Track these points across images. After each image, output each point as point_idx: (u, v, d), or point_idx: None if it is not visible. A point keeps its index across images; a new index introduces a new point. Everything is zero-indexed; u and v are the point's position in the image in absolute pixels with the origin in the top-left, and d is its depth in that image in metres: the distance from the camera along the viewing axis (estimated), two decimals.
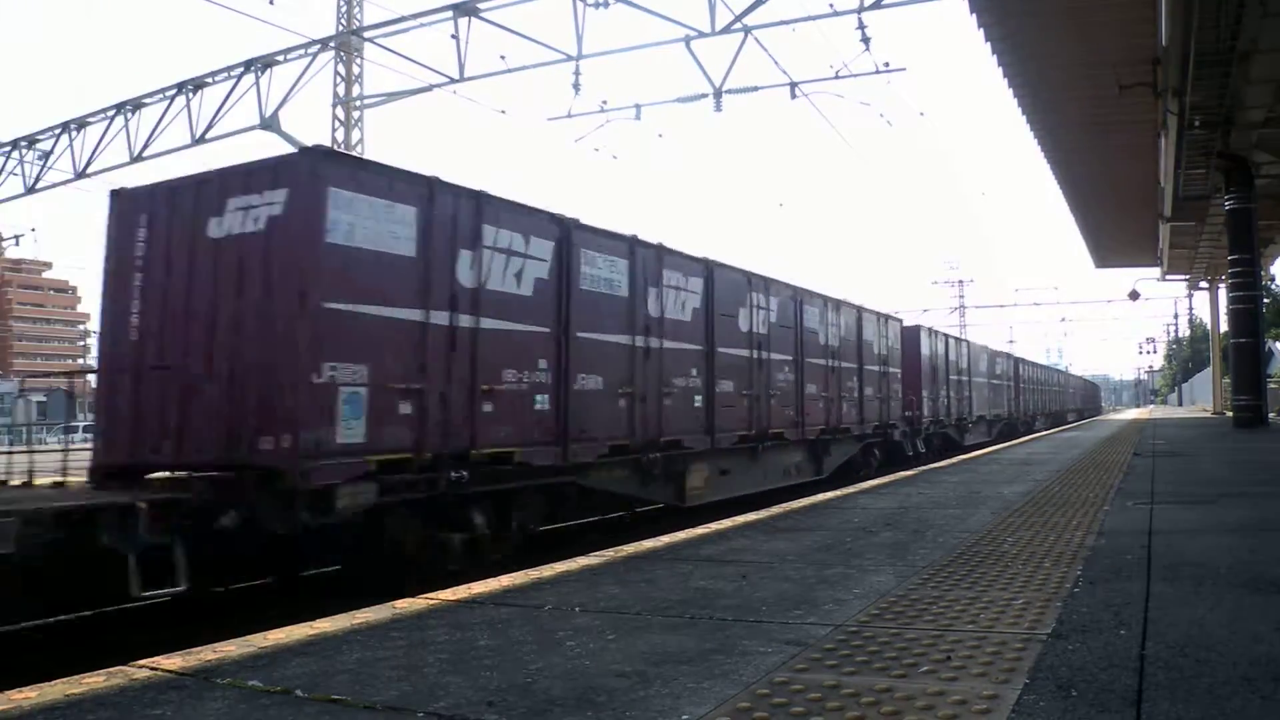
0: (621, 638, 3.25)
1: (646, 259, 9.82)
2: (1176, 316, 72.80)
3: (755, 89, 17.19)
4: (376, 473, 6.37)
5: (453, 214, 7.29)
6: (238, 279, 6.49)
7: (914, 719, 2.30)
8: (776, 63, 18.04)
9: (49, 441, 28.24)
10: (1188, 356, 71.01)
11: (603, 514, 10.47)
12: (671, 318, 10.12)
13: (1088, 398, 70.28)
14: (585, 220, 8.93)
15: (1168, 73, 14.06)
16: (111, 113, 18.97)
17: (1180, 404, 67.96)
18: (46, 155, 20.18)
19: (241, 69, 17.44)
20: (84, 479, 6.94)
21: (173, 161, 18.69)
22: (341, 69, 22.19)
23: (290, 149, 10.96)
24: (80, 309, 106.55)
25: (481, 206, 7.61)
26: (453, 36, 15.92)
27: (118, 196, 7.36)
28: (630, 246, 9.59)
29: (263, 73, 17.24)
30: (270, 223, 6.41)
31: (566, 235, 8.61)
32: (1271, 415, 22.04)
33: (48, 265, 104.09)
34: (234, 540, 6.04)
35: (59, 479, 6.91)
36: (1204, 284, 39.00)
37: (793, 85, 16.79)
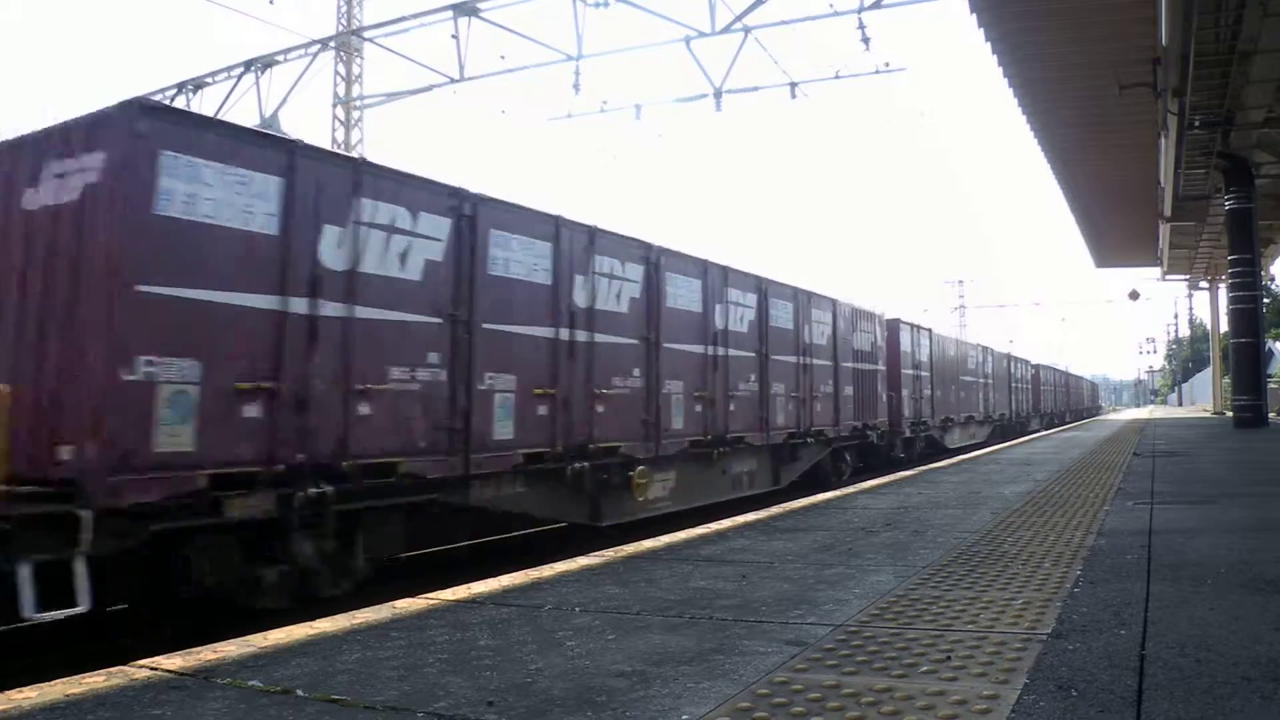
0: (621, 638, 3.25)
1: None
2: (1176, 316, 72.93)
3: (755, 89, 17.22)
4: None
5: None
6: None
7: (914, 719, 2.30)
8: (776, 63, 18.05)
9: None
10: (1188, 356, 71.07)
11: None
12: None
13: (1071, 396, 56.72)
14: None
15: (1168, 73, 14.06)
16: None
17: (1180, 404, 67.96)
18: None
19: (241, 69, 17.48)
20: None
21: None
22: (341, 69, 22.20)
23: None
24: None
25: (361, 176, 6.66)
26: (453, 36, 15.96)
27: None
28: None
29: (263, 73, 17.27)
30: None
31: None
32: (1271, 415, 22.05)
33: None
34: None
35: None
36: (1204, 284, 38.99)
37: (793, 85, 16.81)
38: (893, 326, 18.53)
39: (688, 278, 10.75)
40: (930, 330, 21.46)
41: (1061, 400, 50.05)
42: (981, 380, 27.33)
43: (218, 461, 5.59)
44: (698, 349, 10.82)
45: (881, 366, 17.19)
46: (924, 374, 20.32)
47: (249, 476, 5.89)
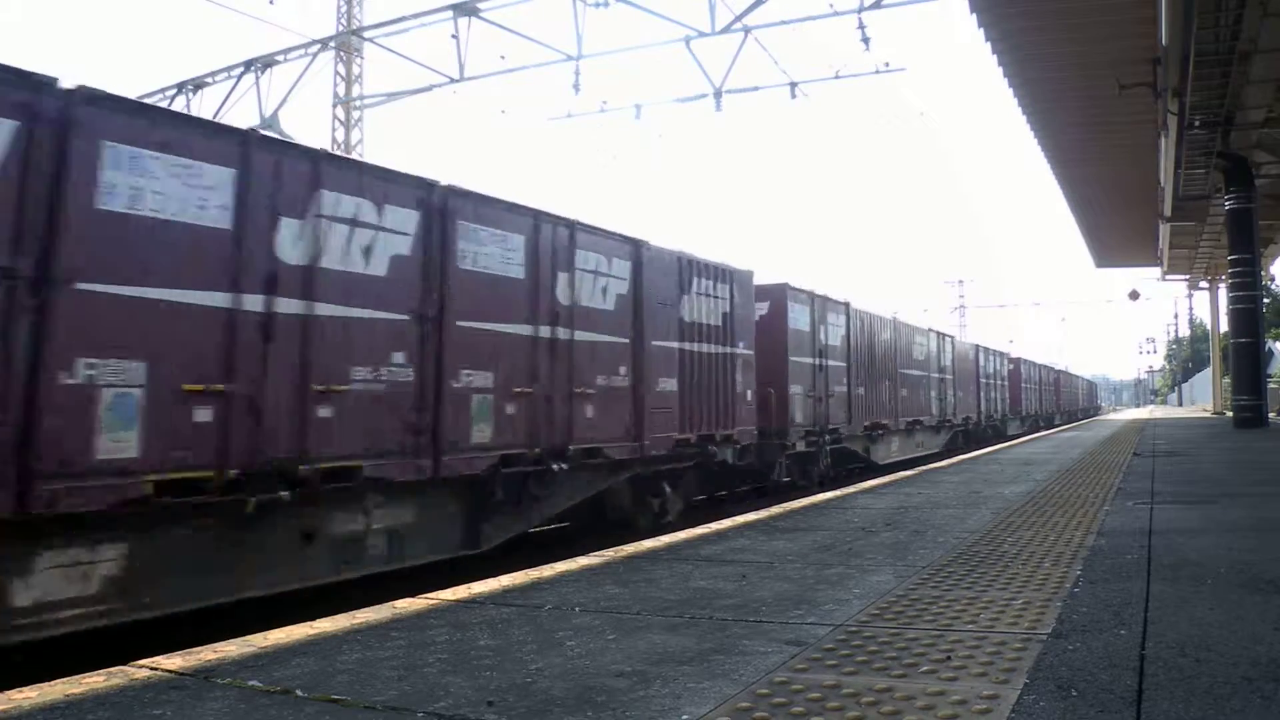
0: (621, 637, 3.25)
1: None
2: (1176, 316, 72.99)
3: (755, 89, 17.24)
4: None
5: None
6: None
7: (914, 719, 2.30)
8: (776, 62, 18.06)
9: None
10: (1188, 356, 71.12)
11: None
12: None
13: (1062, 395, 49.53)
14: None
15: (1168, 73, 14.06)
16: None
17: (1180, 404, 67.96)
18: None
19: (241, 69, 17.49)
20: None
21: None
22: (341, 69, 22.21)
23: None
24: None
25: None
26: (453, 36, 15.98)
27: None
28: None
29: (263, 73, 17.28)
30: None
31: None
32: (1271, 415, 22.05)
33: None
34: None
35: None
36: (1204, 284, 39.00)
37: (793, 85, 16.83)
38: (776, 295, 13.41)
39: (173, 160, 5.55)
40: (848, 305, 16.12)
41: (1049, 400, 43.94)
42: (935, 375, 22.04)
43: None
44: (201, 299, 5.68)
45: (743, 350, 11.87)
46: (834, 364, 15.18)
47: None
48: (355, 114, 22.27)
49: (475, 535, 7.86)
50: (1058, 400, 47.35)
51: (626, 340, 9.66)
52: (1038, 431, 31.47)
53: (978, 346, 28.46)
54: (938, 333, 23.29)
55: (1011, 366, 33.99)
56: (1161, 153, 18.13)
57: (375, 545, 6.97)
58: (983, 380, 27.99)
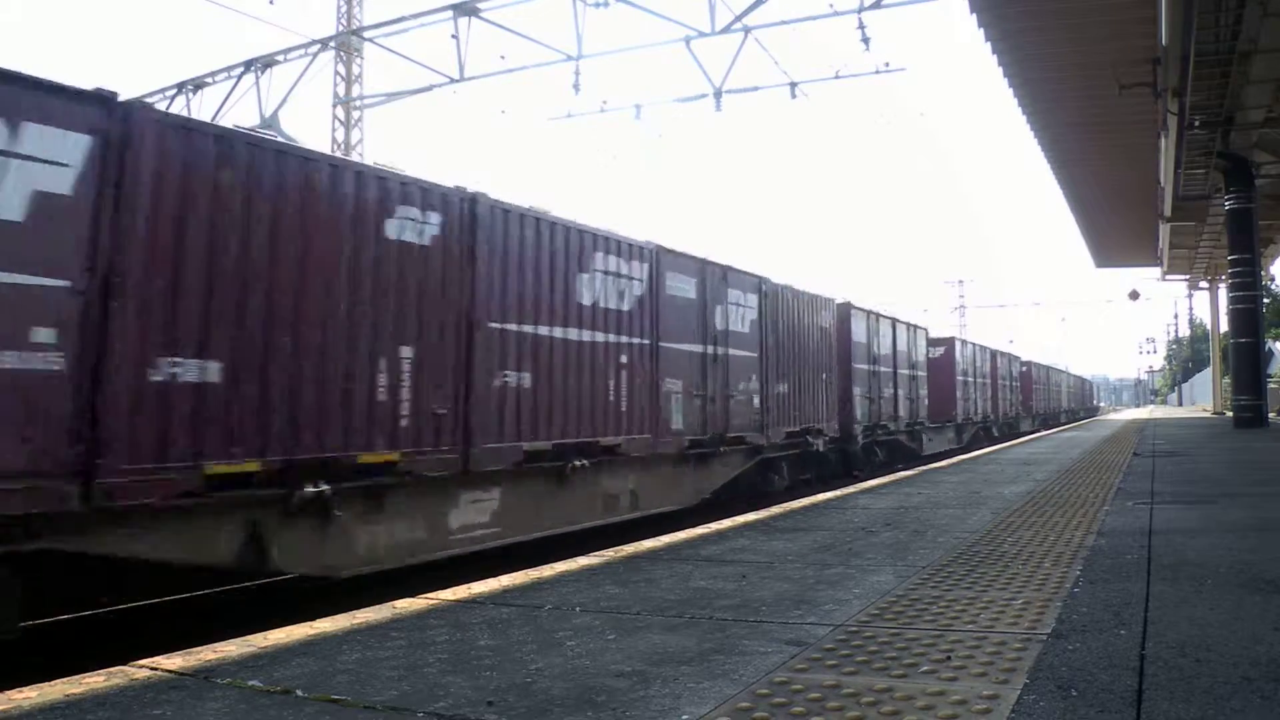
0: (621, 638, 3.25)
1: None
2: (1176, 316, 73.03)
3: (755, 89, 17.25)
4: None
5: None
6: None
7: (914, 719, 2.30)
8: (776, 63, 18.08)
9: None
10: (1188, 356, 71.15)
11: None
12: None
13: (1037, 395, 39.04)
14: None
15: (1167, 73, 14.07)
16: None
17: (1180, 404, 67.95)
18: None
19: (241, 69, 17.48)
20: None
21: None
22: (341, 69, 22.21)
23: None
24: None
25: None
26: (453, 36, 15.98)
27: None
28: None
29: (263, 72, 17.28)
30: None
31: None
32: (1271, 415, 22.04)
33: None
34: None
35: None
36: (1204, 284, 39.00)
37: (793, 85, 16.84)
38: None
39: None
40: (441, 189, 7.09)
41: (1010, 400, 32.61)
42: (686, 348, 11.02)
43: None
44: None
45: None
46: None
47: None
48: (355, 114, 22.28)
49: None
50: (1027, 401, 36.24)
51: None
52: (990, 446, 21.52)
53: (850, 306, 16.93)
54: (708, 262, 11.75)
55: (939, 351, 23.07)
56: (1161, 153, 18.13)
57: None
58: (863, 368, 17.34)
